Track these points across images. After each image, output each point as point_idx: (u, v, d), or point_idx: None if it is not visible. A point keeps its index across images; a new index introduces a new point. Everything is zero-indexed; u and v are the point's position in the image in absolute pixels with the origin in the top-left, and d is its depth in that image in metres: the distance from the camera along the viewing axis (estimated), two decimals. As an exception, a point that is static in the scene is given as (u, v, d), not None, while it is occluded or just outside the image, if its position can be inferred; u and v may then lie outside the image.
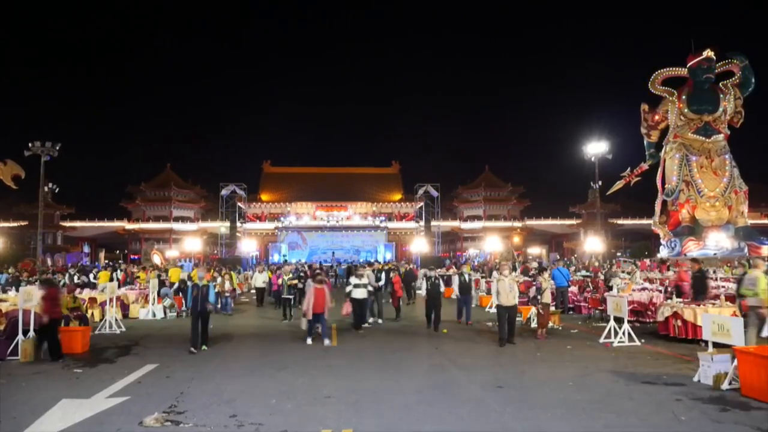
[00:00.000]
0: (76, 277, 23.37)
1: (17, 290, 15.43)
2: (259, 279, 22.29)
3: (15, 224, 57.98)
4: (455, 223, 69.36)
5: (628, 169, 28.16)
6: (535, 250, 55.98)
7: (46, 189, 36.50)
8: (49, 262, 44.34)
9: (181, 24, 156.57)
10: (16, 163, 31.96)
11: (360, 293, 14.42)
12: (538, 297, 13.05)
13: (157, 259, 33.77)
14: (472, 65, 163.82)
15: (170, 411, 6.94)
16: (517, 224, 68.48)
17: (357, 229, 63.22)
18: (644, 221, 43.61)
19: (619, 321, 11.97)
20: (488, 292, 20.35)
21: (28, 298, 11.32)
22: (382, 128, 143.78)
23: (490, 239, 53.14)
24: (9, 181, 35.85)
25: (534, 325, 13.84)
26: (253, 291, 24.47)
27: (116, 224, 64.69)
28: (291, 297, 17.05)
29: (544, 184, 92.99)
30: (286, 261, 48.89)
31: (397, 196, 69.70)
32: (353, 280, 14.70)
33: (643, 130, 27.01)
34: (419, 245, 55.27)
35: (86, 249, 65.05)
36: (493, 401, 7.37)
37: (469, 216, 70.23)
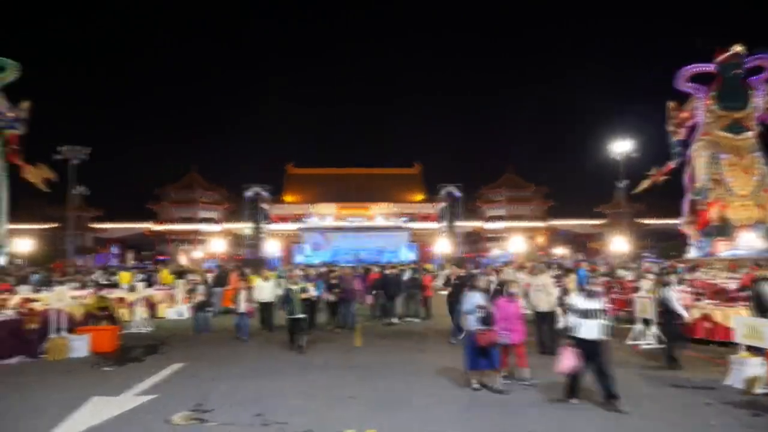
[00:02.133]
0: (101, 278, 23.76)
1: (49, 290, 15.80)
2: (266, 290, 14.79)
3: (46, 226, 59.25)
4: (478, 224, 68.99)
5: (655, 168, 27.71)
6: (560, 251, 55.38)
7: (76, 192, 37.18)
8: (80, 263, 45.24)
9: (218, 28, 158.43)
10: (46, 167, 32.68)
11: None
12: (564, 299, 12.87)
13: (183, 259, 34.23)
14: (493, 65, 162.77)
15: (197, 409, 7.04)
16: (541, 224, 67.81)
17: (380, 229, 63.29)
18: (671, 221, 42.82)
19: (646, 323, 11.79)
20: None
21: (60, 297, 11.58)
22: (401, 129, 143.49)
23: (514, 240, 52.72)
24: (40, 184, 36.69)
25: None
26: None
27: (143, 226, 65.69)
28: (302, 317, 11.73)
29: (568, 184, 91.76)
30: (295, 264, 48.99)
31: (419, 197, 69.59)
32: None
33: (670, 128, 26.55)
34: (442, 246, 55.07)
35: (115, 250, 66.21)
36: (519, 402, 7.32)
37: (492, 216, 69.78)
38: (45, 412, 7.01)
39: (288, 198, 68.55)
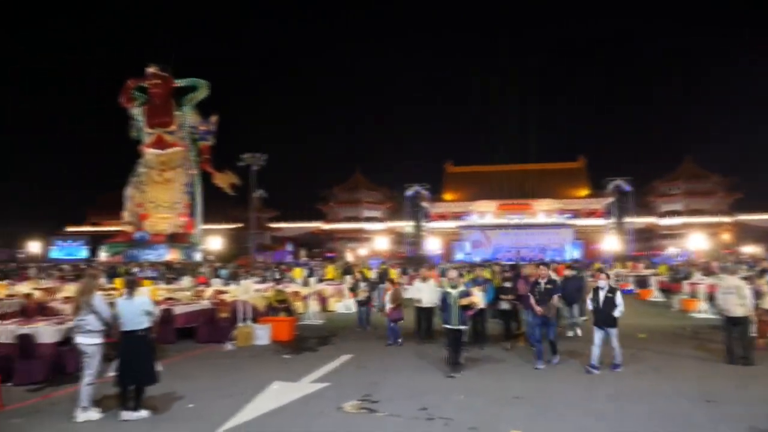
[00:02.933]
0: (277, 273, 25.90)
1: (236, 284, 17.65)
2: (424, 292, 12.25)
3: (233, 226, 66.16)
4: (651, 219, 63.80)
5: None
6: (750, 249, 49.17)
7: (256, 194, 41.03)
8: (261, 259, 49.89)
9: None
10: (232, 173, 36.35)
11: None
12: (757, 302, 11.45)
13: (349, 256, 36.14)
14: (658, 51, 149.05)
15: (365, 399, 7.44)
16: (726, 219, 60.84)
17: (541, 227, 61.24)
18: None
19: None
20: (692, 295, 18.43)
21: (246, 290, 12.90)
22: (564, 123, 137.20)
23: (693, 236, 47.93)
24: (228, 189, 40.87)
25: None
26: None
27: (314, 225, 70.49)
28: (461, 329, 9.31)
29: (759, 174, 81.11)
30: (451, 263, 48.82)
31: (584, 192, 66.13)
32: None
33: None
34: (610, 243, 51.81)
35: (290, 248, 71.86)
36: (702, 416, 6.70)
37: (667, 211, 64.14)
38: (234, 393, 7.87)
39: (447, 196, 69.09)
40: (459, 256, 58.06)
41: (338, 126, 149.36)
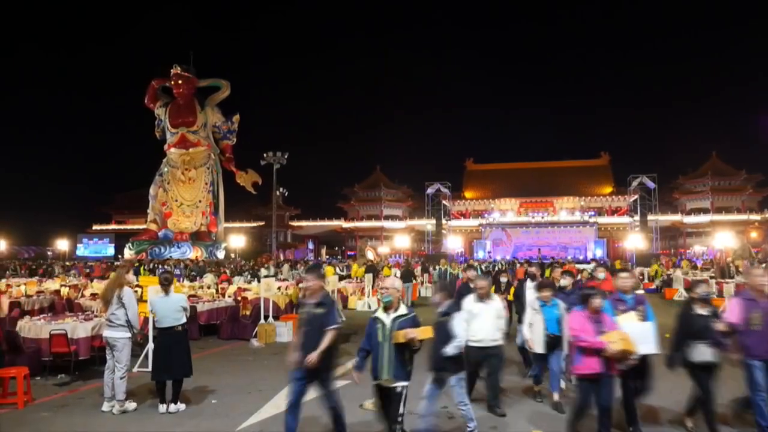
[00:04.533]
0: (301, 271, 26.14)
1: (258, 282, 17.83)
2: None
3: (254, 224, 66.77)
4: (676, 217, 62.78)
5: None
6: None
7: (277, 193, 41.36)
8: (282, 257, 50.27)
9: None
10: (255, 172, 36.61)
11: None
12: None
13: (370, 255, 36.23)
14: (681, 53, 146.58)
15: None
16: (755, 217, 59.58)
17: (564, 224, 60.65)
18: None
19: None
20: (720, 294, 18.15)
21: (268, 288, 13.03)
22: (587, 119, 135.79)
23: (720, 235, 47.04)
24: (250, 187, 41.21)
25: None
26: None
27: (334, 223, 70.73)
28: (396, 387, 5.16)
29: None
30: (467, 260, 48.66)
31: (608, 189, 65.33)
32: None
33: None
34: (634, 241, 51.14)
35: (311, 246, 72.20)
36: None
37: (692, 209, 63.06)
38: (256, 390, 7.97)
39: (468, 194, 68.83)
40: (479, 254, 57.81)
41: (359, 124, 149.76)
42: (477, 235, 63.34)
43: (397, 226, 67.17)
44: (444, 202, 62.24)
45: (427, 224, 61.73)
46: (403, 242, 56.84)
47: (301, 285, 17.98)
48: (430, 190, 60.16)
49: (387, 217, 69.09)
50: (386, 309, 5.22)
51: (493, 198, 65.40)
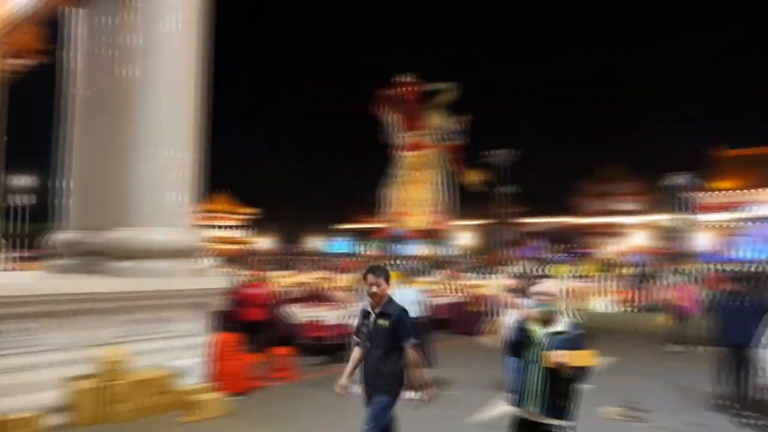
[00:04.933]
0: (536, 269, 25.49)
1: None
2: None
3: (484, 222, 67.82)
4: None
5: None
6: None
7: (507, 190, 41.41)
8: (509, 254, 50.09)
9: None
10: (482, 171, 36.95)
11: None
12: None
13: (608, 252, 34.15)
14: None
15: (630, 406, 7.05)
16: None
17: None
18: None
19: None
20: None
21: (497, 285, 13.15)
22: None
23: None
24: (478, 185, 41.83)
25: None
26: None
27: (563, 219, 68.31)
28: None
29: None
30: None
31: None
32: None
33: None
34: None
35: (541, 243, 70.66)
36: None
37: None
38: (488, 385, 8.12)
39: (719, 185, 60.57)
40: (737, 253, 50.52)
41: (589, 115, 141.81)
42: (732, 232, 55.66)
43: (633, 221, 62.42)
44: (689, 194, 55.87)
45: (669, 219, 56.19)
46: (639, 239, 52.42)
47: (367, 289, 17.55)
48: (671, 183, 54.53)
49: (621, 212, 64.62)
50: (543, 322, 4.14)
51: (753, 188, 56.72)
